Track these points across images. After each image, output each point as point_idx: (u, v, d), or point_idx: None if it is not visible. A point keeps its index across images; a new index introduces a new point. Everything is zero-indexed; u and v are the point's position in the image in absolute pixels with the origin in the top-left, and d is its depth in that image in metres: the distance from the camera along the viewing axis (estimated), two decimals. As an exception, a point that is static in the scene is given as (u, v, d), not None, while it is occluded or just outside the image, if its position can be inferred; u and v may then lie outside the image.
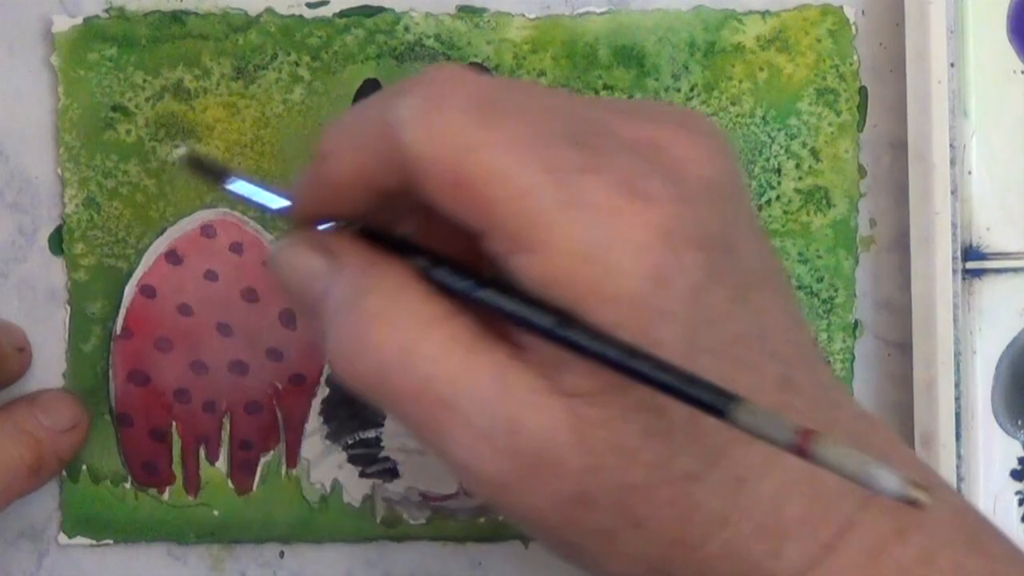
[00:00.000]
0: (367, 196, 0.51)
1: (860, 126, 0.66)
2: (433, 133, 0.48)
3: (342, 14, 0.66)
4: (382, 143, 0.49)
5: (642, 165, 0.48)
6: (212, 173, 0.56)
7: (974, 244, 0.65)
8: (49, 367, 0.67)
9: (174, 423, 0.66)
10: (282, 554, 0.67)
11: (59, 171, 0.66)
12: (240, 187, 0.55)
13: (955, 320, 0.63)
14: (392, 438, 0.66)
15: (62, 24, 0.66)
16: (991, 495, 0.65)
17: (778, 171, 0.66)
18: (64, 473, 0.66)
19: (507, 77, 0.52)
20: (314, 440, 0.66)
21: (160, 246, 0.66)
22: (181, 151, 0.56)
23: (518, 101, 0.49)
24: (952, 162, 0.63)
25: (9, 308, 0.67)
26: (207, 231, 0.66)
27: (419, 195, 0.49)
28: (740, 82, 0.66)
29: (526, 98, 0.50)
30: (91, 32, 0.66)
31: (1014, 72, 0.65)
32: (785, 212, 0.66)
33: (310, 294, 0.52)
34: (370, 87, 0.66)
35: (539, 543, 0.54)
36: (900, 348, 0.66)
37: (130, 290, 0.66)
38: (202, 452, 0.66)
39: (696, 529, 0.50)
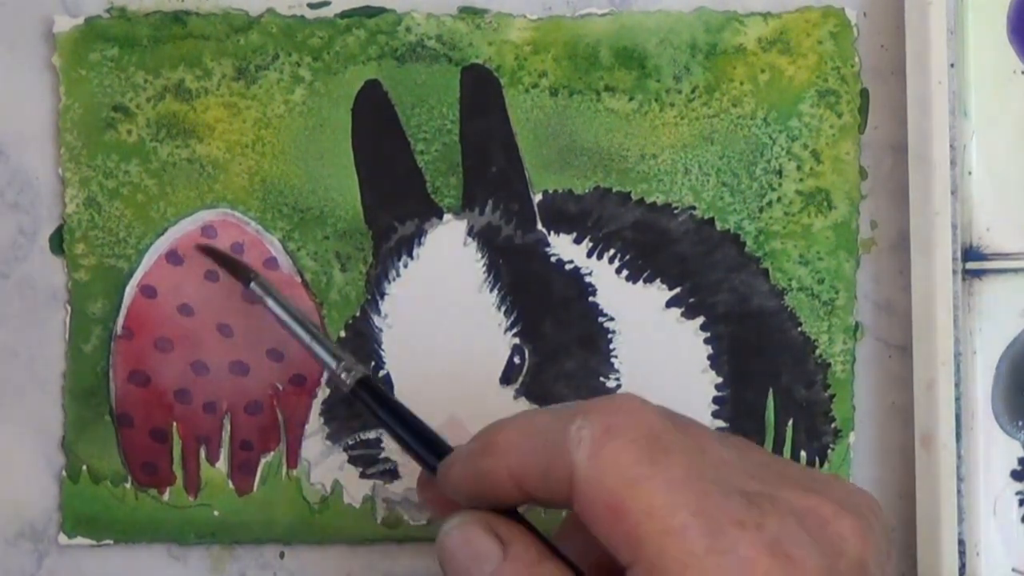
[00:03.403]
0: (519, 496, 0.54)
1: (861, 128, 0.66)
2: (601, 460, 0.51)
3: (343, 15, 0.66)
4: (552, 457, 0.52)
5: (797, 531, 0.51)
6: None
7: (974, 244, 0.65)
8: (49, 367, 0.67)
9: (174, 423, 0.66)
10: (282, 555, 0.67)
11: (60, 171, 0.66)
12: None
13: (955, 321, 0.63)
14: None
15: (63, 24, 0.66)
16: (991, 495, 0.65)
17: (779, 173, 0.66)
18: (64, 473, 0.66)
19: (685, 416, 0.55)
20: (314, 441, 0.66)
21: (161, 246, 0.66)
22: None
23: (689, 444, 0.52)
24: (952, 162, 0.63)
25: (9, 308, 0.67)
26: (208, 231, 0.66)
27: (578, 513, 0.52)
28: (741, 84, 0.66)
29: (699, 443, 0.53)
30: (92, 32, 0.66)
31: (1014, 72, 0.65)
32: (786, 214, 0.66)
33: (475, 575, 0.54)
34: (372, 89, 0.66)
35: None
36: (901, 350, 0.66)
37: (131, 290, 0.66)
38: (202, 452, 0.66)
39: None
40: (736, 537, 0.50)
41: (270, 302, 0.63)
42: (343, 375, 0.61)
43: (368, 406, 0.60)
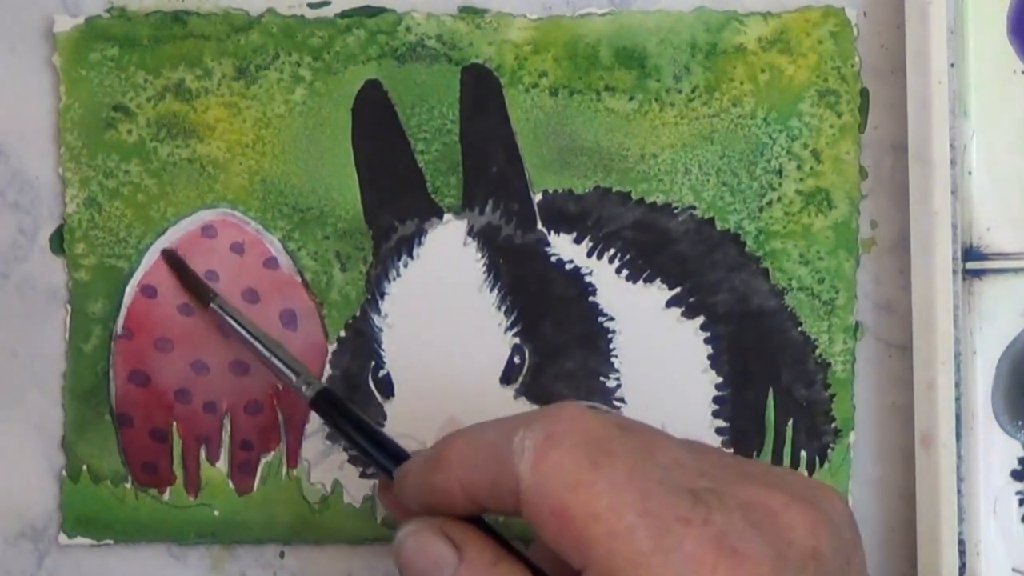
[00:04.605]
0: (471, 506, 0.54)
1: (861, 128, 0.66)
2: (544, 468, 0.51)
3: (343, 14, 0.66)
4: (498, 469, 0.53)
5: (744, 524, 0.51)
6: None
7: (974, 244, 0.65)
8: (49, 367, 0.67)
9: (175, 423, 0.66)
10: (282, 554, 0.67)
11: (60, 171, 0.66)
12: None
13: (955, 321, 0.63)
14: (393, 439, 0.66)
15: (64, 24, 0.66)
16: (991, 495, 0.65)
17: (779, 172, 0.66)
18: (64, 473, 0.66)
19: (637, 421, 0.55)
20: (315, 440, 0.66)
21: (161, 246, 0.66)
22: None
23: (635, 447, 0.52)
24: (952, 162, 0.63)
25: (9, 308, 0.67)
26: (208, 231, 0.66)
27: (527, 522, 0.52)
28: (741, 83, 0.66)
29: (647, 445, 0.53)
30: (93, 32, 0.66)
31: (1014, 72, 0.65)
32: (786, 214, 0.66)
33: None
34: (372, 89, 0.66)
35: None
36: (901, 349, 0.66)
37: (131, 290, 0.66)
38: (203, 452, 0.66)
39: None
40: (682, 534, 0.50)
41: (231, 321, 0.64)
42: (303, 388, 0.62)
43: (327, 417, 0.62)
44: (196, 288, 0.65)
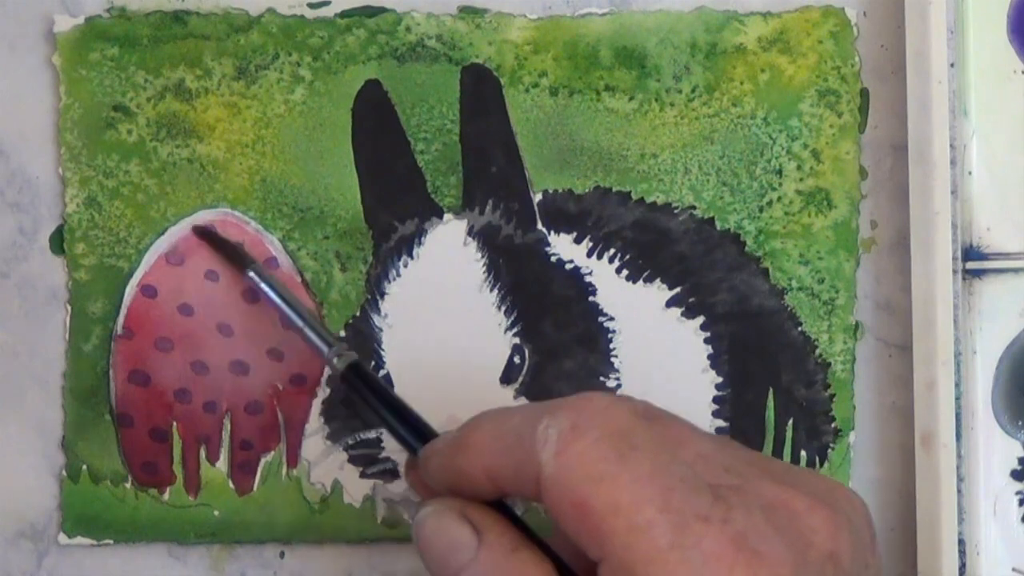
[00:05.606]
0: (493, 491, 0.54)
1: (861, 128, 0.66)
2: (567, 458, 0.51)
3: (343, 14, 0.66)
4: (521, 456, 0.52)
5: (764, 525, 0.51)
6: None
7: (974, 244, 0.65)
8: (49, 367, 0.67)
9: (175, 423, 0.66)
10: (282, 554, 0.67)
11: (60, 171, 0.66)
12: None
13: (955, 320, 0.63)
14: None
15: (64, 24, 0.66)
16: (991, 495, 0.65)
17: (779, 172, 0.66)
18: (64, 473, 0.66)
19: (664, 411, 0.55)
20: (315, 440, 0.66)
21: (161, 246, 0.66)
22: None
23: (660, 440, 0.52)
24: (952, 162, 0.63)
25: (10, 308, 0.67)
26: (208, 231, 0.67)
27: (548, 511, 0.52)
28: (741, 83, 0.66)
29: (675, 437, 0.53)
30: (93, 32, 0.66)
31: (1014, 72, 0.65)
32: (786, 213, 0.66)
33: (451, 563, 0.54)
34: (372, 89, 0.66)
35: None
36: (901, 349, 0.66)
37: (131, 290, 0.66)
38: (203, 452, 0.66)
39: None
40: (701, 532, 0.50)
41: (266, 288, 0.64)
42: (334, 359, 0.62)
43: (357, 390, 0.62)
44: (233, 255, 0.65)
